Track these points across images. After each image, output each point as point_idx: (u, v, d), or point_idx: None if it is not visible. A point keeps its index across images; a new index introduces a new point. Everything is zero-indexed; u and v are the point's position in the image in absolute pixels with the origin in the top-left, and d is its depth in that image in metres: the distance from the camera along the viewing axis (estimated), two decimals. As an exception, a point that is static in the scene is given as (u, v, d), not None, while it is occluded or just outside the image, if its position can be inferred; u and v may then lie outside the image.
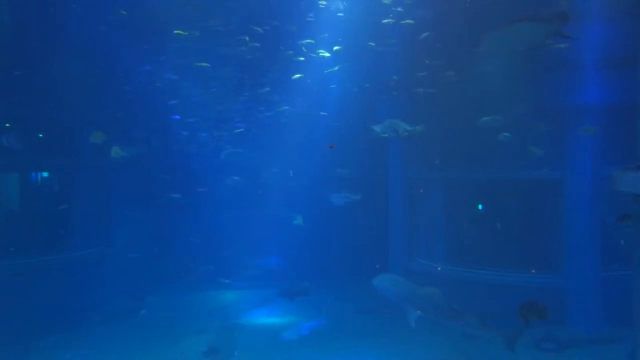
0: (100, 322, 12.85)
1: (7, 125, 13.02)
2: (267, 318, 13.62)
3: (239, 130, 15.58)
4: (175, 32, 11.28)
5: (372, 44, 11.93)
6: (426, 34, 11.18)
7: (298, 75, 12.64)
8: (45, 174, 14.79)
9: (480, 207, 13.36)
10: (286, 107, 14.68)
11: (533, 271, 12.11)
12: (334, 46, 12.11)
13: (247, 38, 11.94)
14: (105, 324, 12.80)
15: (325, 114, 14.82)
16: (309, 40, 11.95)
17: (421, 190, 14.39)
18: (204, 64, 12.49)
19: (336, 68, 12.77)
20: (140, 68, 13.78)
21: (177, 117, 16.05)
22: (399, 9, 11.21)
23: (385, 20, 11.23)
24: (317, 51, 12.24)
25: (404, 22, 11.12)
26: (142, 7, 11.31)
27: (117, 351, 11.05)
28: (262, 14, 11.74)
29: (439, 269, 12.68)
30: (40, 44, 12.01)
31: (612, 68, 10.73)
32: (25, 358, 10.71)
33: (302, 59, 12.55)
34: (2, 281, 11.68)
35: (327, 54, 12.23)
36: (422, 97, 12.66)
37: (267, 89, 14.24)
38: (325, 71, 12.90)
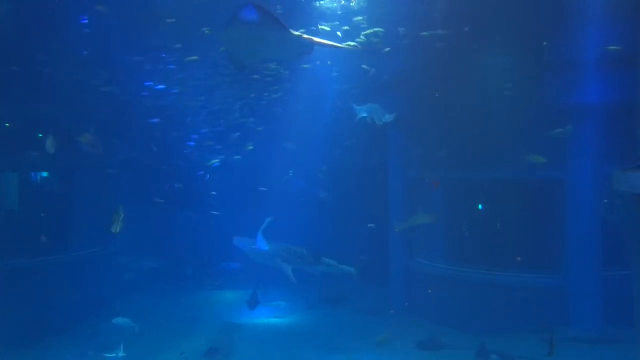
0: (100, 322, 12.81)
1: (7, 125, 13.02)
2: (267, 318, 13.61)
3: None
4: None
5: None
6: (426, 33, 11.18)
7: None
8: (45, 174, 14.79)
9: (480, 207, 13.35)
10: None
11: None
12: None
13: None
14: (105, 323, 12.75)
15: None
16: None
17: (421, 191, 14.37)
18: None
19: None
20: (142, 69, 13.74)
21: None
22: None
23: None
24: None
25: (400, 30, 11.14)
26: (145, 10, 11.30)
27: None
28: None
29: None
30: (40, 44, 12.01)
31: (612, 68, 10.71)
32: (26, 358, 10.71)
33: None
34: (2, 281, 11.67)
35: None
36: (422, 97, 12.63)
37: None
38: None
